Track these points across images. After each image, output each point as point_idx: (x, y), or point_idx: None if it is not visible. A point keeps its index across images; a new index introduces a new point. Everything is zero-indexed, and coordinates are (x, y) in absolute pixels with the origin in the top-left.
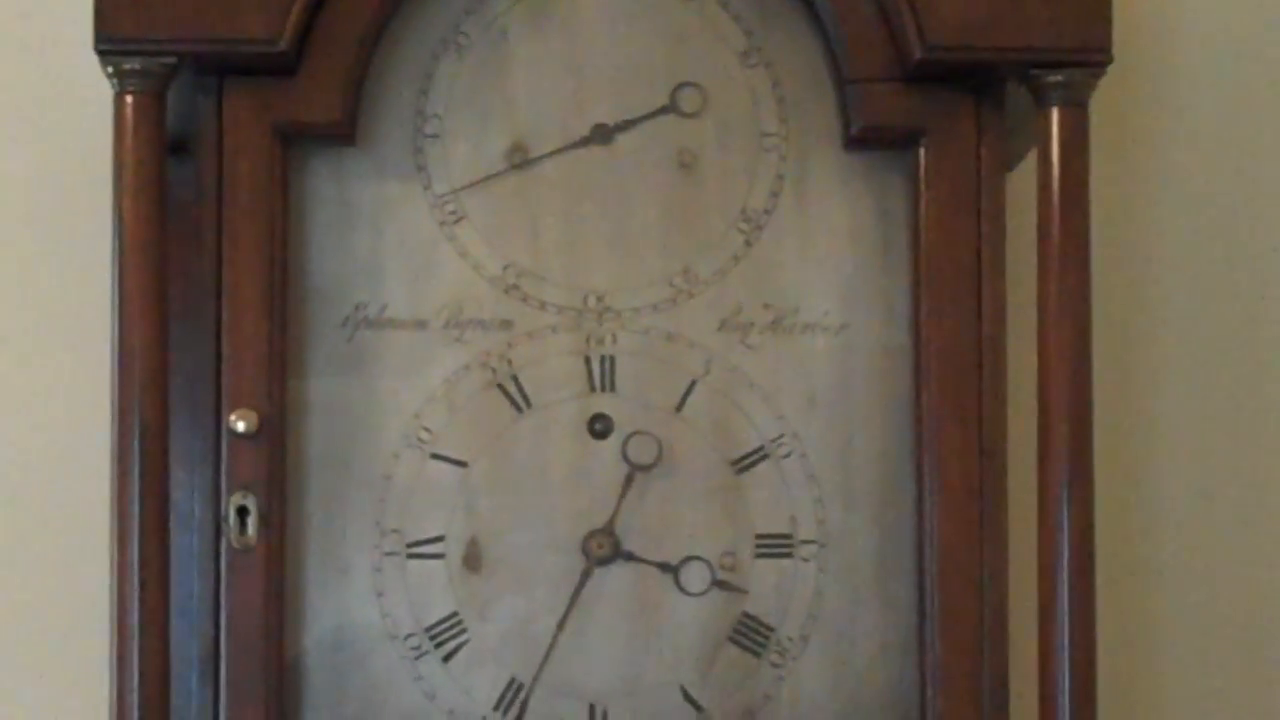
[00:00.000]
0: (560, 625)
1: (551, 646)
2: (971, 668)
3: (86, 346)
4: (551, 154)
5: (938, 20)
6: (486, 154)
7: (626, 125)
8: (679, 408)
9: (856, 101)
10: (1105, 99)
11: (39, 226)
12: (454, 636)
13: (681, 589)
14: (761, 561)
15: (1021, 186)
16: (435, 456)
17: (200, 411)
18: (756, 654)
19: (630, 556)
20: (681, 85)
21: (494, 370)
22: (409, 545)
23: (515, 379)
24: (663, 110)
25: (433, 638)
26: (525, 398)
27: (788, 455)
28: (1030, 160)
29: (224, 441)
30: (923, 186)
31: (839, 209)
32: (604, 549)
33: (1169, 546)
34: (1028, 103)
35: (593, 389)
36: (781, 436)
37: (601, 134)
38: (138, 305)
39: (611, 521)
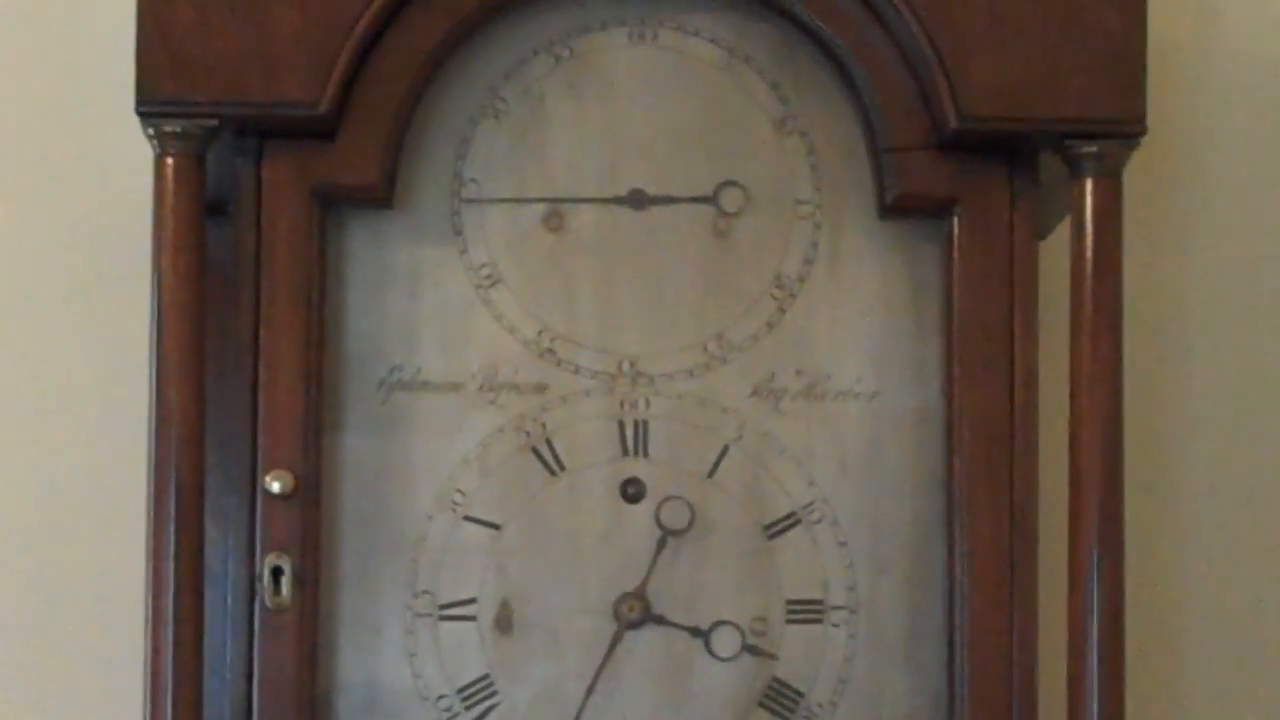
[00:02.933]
0: (590, 688)
1: (581, 709)
2: None
3: (124, 406)
4: (587, 218)
5: (973, 90)
6: (523, 218)
7: (665, 200)
8: (711, 473)
9: (891, 170)
10: (1138, 168)
11: (78, 286)
12: (485, 698)
13: (712, 653)
14: (792, 627)
15: (1053, 252)
16: (468, 519)
17: (236, 472)
18: (786, 719)
19: (661, 620)
20: (725, 183)
21: (528, 433)
22: (441, 607)
23: (549, 442)
24: (703, 200)
25: (464, 699)
26: (559, 461)
27: (819, 521)
28: (1063, 227)
29: (259, 502)
30: (956, 255)
31: (872, 276)
32: (635, 613)
33: (1200, 615)
34: (1061, 172)
35: (626, 453)
36: (813, 502)
37: (638, 199)
38: (175, 365)
39: (643, 585)
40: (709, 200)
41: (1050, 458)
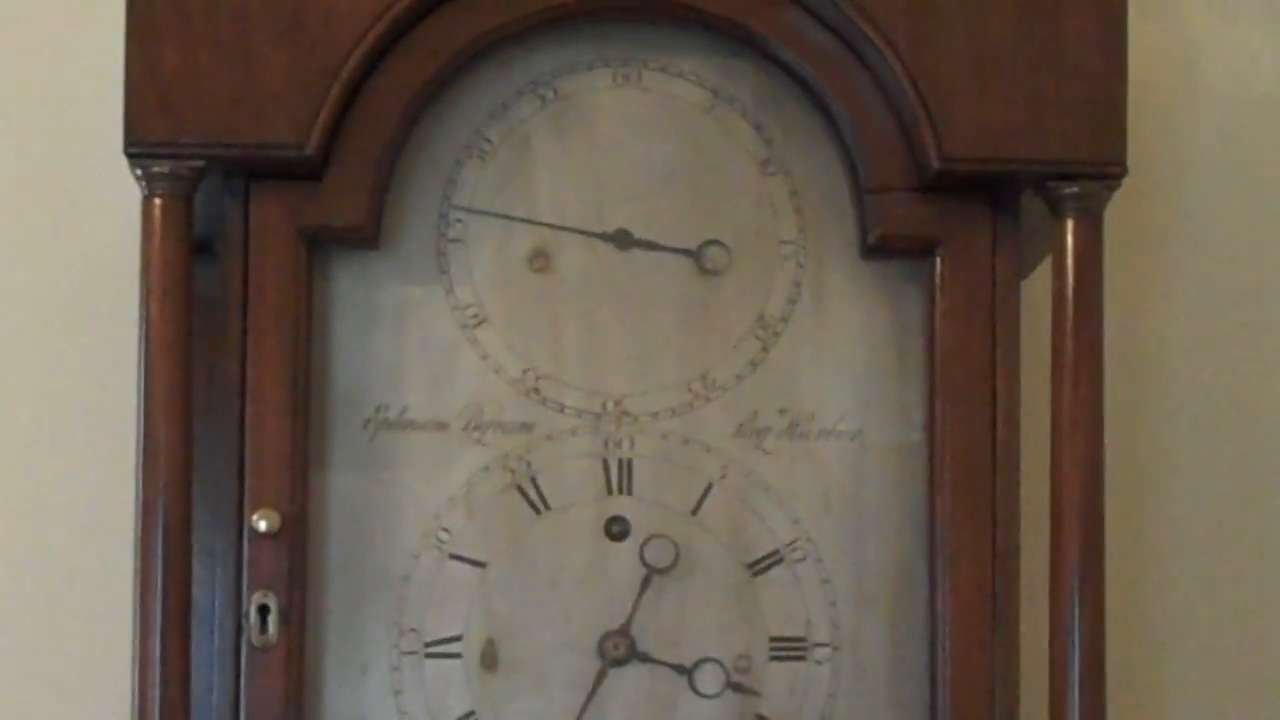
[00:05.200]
0: None
1: None
2: None
3: (111, 444)
4: (572, 258)
5: (955, 132)
6: (509, 258)
7: (649, 246)
8: (695, 511)
9: (874, 211)
10: (1118, 208)
11: (66, 326)
12: None
13: (696, 691)
14: (775, 664)
15: (1035, 292)
16: (454, 557)
17: (223, 510)
18: None
19: (645, 658)
20: (708, 242)
21: (513, 472)
22: (427, 644)
23: (534, 481)
24: (686, 253)
25: None
26: (544, 499)
27: (802, 559)
28: (1044, 267)
29: (246, 540)
30: (938, 295)
31: (856, 316)
32: (620, 650)
33: (1182, 651)
34: (1042, 213)
35: (610, 491)
36: (796, 540)
37: (623, 239)
38: (162, 404)
39: (628, 623)
40: (691, 254)
41: (1032, 495)
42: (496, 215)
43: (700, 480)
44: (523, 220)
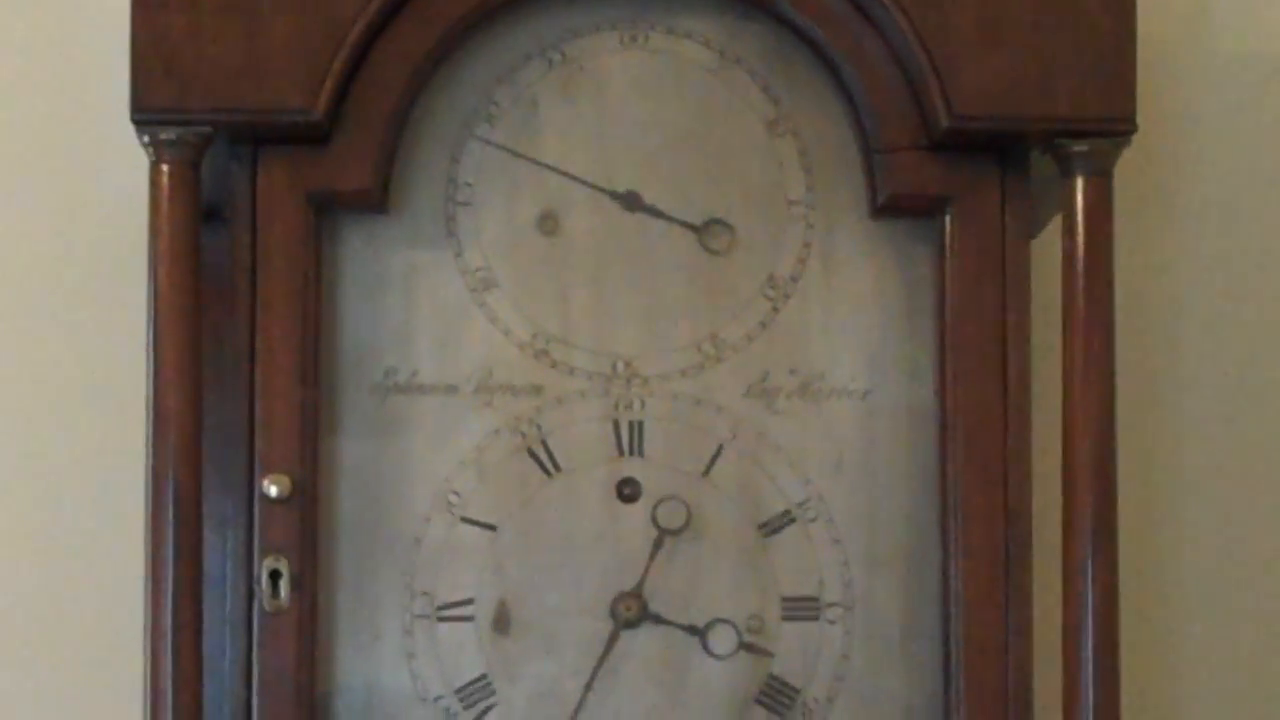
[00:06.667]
0: (588, 687)
1: (579, 708)
2: None
3: (122, 412)
4: (581, 220)
5: (964, 90)
6: (517, 221)
7: (655, 214)
8: (706, 472)
9: (883, 170)
10: (1128, 166)
11: (75, 293)
12: (483, 698)
13: (708, 651)
14: (788, 624)
15: (1045, 251)
16: (465, 520)
17: (233, 476)
18: (783, 716)
19: (658, 619)
20: (713, 220)
21: (523, 435)
22: (439, 608)
23: (544, 443)
24: (691, 227)
25: (462, 700)
26: (554, 462)
27: (814, 519)
28: (1054, 225)
29: (257, 506)
30: (948, 254)
31: (865, 276)
32: (632, 612)
33: (1195, 609)
34: (1052, 171)
35: (621, 453)
36: (808, 500)
37: (631, 200)
38: (172, 371)
39: (640, 584)
40: (695, 229)
41: (1044, 454)
42: (512, 153)
43: (711, 441)
44: (533, 161)
